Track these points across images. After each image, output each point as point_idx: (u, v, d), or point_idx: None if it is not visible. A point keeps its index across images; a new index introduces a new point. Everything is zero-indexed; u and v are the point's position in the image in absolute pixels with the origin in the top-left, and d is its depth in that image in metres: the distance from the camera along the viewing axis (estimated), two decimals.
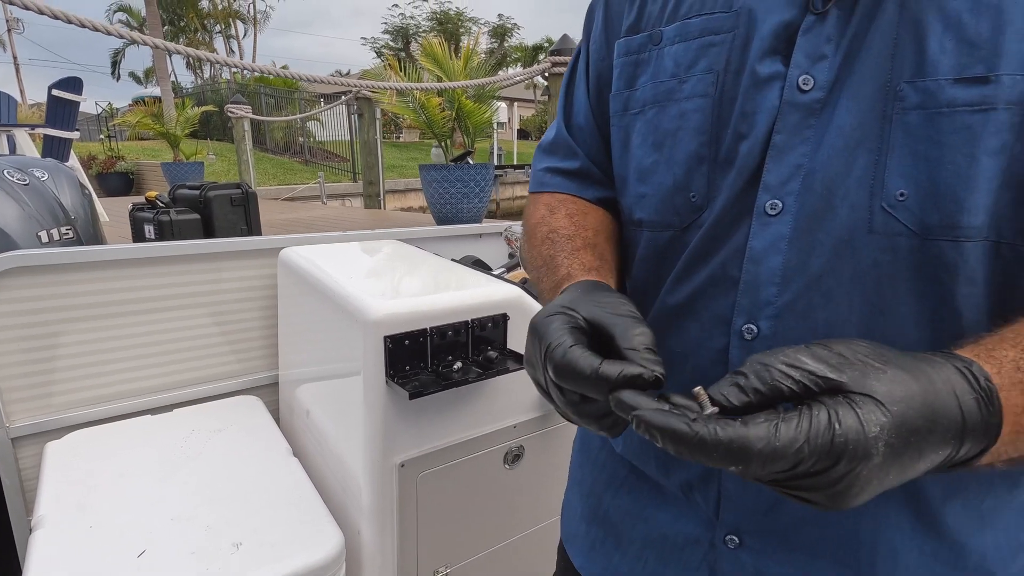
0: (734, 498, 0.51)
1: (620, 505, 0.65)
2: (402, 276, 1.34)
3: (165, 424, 1.36)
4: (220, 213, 2.05)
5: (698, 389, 0.34)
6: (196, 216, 2.02)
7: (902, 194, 0.41)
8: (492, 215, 3.38)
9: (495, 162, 15.21)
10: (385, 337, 1.01)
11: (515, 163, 17.99)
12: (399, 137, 22.64)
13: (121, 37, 1.94)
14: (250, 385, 1.59)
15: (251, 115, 7.39)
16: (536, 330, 0.43)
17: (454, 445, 1.15)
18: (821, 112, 0.44)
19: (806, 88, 0.44)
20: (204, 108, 9.52)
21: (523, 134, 27.76)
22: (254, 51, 31.01)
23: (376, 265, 1.43)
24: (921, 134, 0.40)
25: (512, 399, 1.22)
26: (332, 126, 15.21)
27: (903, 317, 0.43)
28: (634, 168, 0.57)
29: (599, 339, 0.42)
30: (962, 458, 0.33)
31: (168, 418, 1.38)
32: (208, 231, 2.07)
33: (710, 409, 0.33)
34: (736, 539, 0.52)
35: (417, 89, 2.68)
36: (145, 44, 2.21)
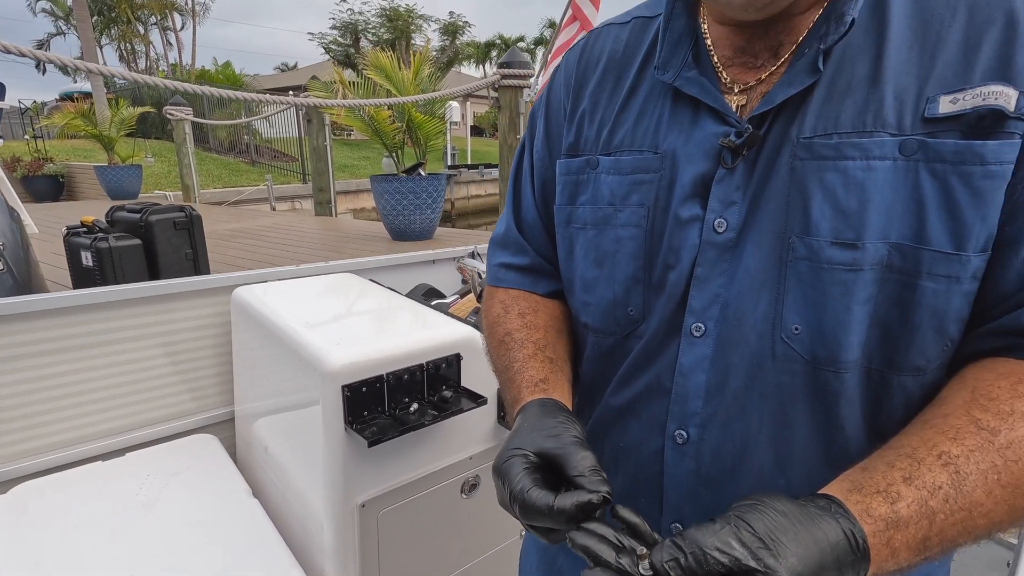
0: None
1: (573, 563, 0.71)
2: (357, 319, 1.37)
3: (118, 470, 1.34)
4: (163, 238, 2.00)
5: (643, 551, 0.40)
6: (137, 242, 1.96)
7: (796, 328, 0.49)
8: (447, 215, 3.40)
9: (449, 161, 15.12)
10: (343, 386, 1.05)
11: (469, 162, 17.94)
12: (350, 135, 22.15)
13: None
14: (205, 423, 1.58)
15: (192, 117, 7.11)
16: (499, 473, 0.49)
17: (413, 481, 1.19)
18: (734, 250, 0.52)
19: (720, 230, 0.52)
20: (142, 109, 9.03)
21: (477, 131, 27.67)
22: (193, 43, 29.60)
23: (331, 306, 1.45)
24: (808, 282, 0.48)
25: (467, 432, 1.28)
26: (280, 123, 14.75)
27: (800, 429, 0.50)
28: (579, 277, 0.64)
29: (551, 468, 0.48)
30: None
31: (121, 463, 1.37)
32: (151, 257, 2.01)
33: (646, 568, 0.39)
34: None
35: (365, 105, 2.67)
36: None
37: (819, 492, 0.42)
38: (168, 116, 6.69)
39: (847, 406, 0.49)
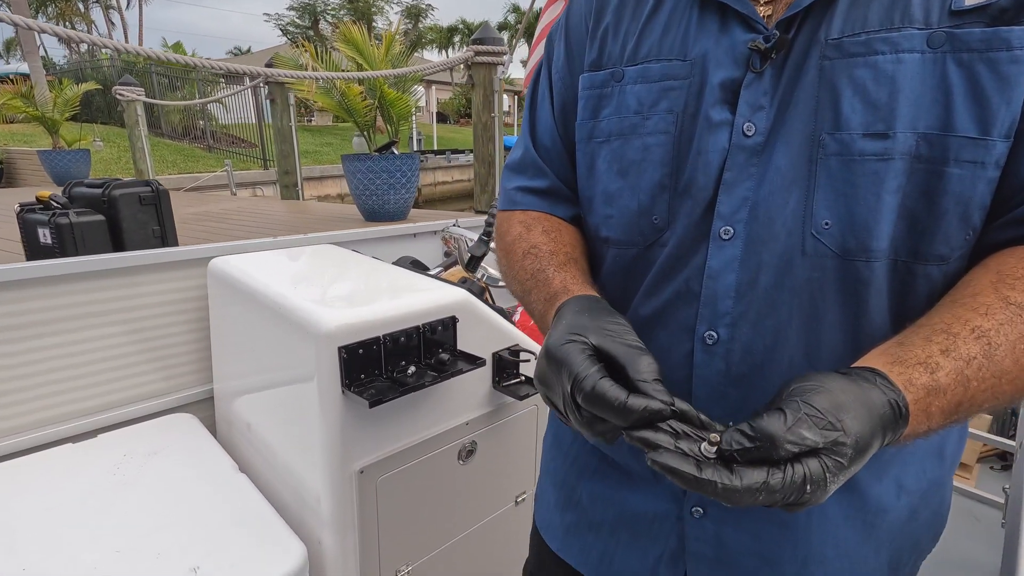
0: None
1: (592, 491, 0.72)
2: (347, 283, 1.33)
3: (90, 452, 1.27)
4: (128, 214, 1.89)
5: (714, 436, 0.41)
6: (100, 218, 1.84)
7: (827, 223, 0.50)
8: (414, 203, 3.34)
9: (415, 147, 14.90)
10: (340, 348, 1.01)
11: (435, 148, 17.71)
12: (311, 120, 21.52)
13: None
14: (182, 402, 1.51)
15: (144, 98, 6.76)
16: (555, 358, 0.48)
17: (411, 447, 1.17)
18: (762, 154, 0.53)
19: (749, 134, 0.53)
20: (86, 87, 8.53)
21: (441, 117, 27.29)
22: (140, 24, 28.11)
23: (317, 273, 1.40)
24: (839, 176, 0.49)
25: (463, 397, 1.26)
26: (237, 108, 14.19)
27: (830, 322, 0.53)
28: (600, 191, 0.64)
29: (608, 364, 0.47)
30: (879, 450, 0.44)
31: (93, 445, 1.30)
32: (115, 234, 1.90)
33: (710, 451, 0.40)
34: (701, 510, 0.61)
35: (339, 78, 2.57)
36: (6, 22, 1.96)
37: (861, 365, 0.44)
38: (118, 97, 6.33)
39: (875, 296, 0.51)
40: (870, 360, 0.45)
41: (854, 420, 0.39)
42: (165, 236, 1.86)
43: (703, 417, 0.43)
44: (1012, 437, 1.89)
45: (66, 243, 1.78)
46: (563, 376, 0.47)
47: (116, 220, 1.86)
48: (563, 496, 0.76)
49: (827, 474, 0.38)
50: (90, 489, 1.13)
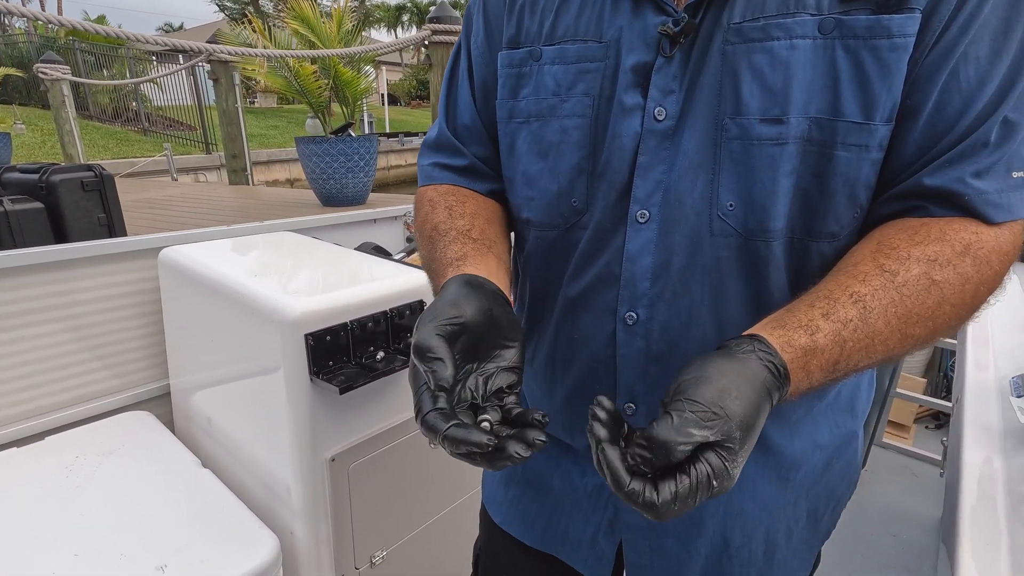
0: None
1: (534, 465, 0.75)
2: (309, 271, 1.29)
3: (39, 454, 1.20)
4: (70, 201, 1.75)
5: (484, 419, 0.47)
6: (39, 205, 1.71)
7: (731, 205, 0.53)
8: None
9: (366, 130, 14.51)
10: (306, 335, 0.99)
11: (387, 131, 17.29)
12: (253, 102, 20.59)
13: None
14: (136, 399, 1.45)
15: (71, 77, 6.29)
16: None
17: (381, 433, 1.16)
18: (673, 137, 0.54)
19: (660, 118, 0.54)
20: (3, 71, 7.86)
21: (392, 99, 26.63)
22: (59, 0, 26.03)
23: (278, 261, 1.36)
24: (740, 159, 0.51)
25: None
26: (172, 89, 13.40)
27: (736, 299, 0.56)
28: (521, 172, 0.64)
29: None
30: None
31: (41, 448, 1.23)
32: (56, 224, 1.78)
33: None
34: None
35: (292, 56, 2.45)
36: None
37: (747, 332, 0.48)
38: (40, 76, 5.86)
39: (775, 273, 0.54)
40: (759, 327, 0.48)
41: (736, 401, 0.42)
42: (112, 225, 1.74)
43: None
44: (945, 399, 2.04)
45: (2, 233, 1.65)
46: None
47: (56, 208, 1.73)
48: (507, 471, 0.79)
49: (726, 462, 0.41)
50: (40, 494, 1.08)
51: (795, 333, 0.46)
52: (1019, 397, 0.79)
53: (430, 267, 0.63)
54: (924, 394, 2.22)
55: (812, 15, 0.48)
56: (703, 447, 0.41)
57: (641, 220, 0.56)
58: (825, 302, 0.47)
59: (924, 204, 0.50)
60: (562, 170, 0.60)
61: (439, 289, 0.57)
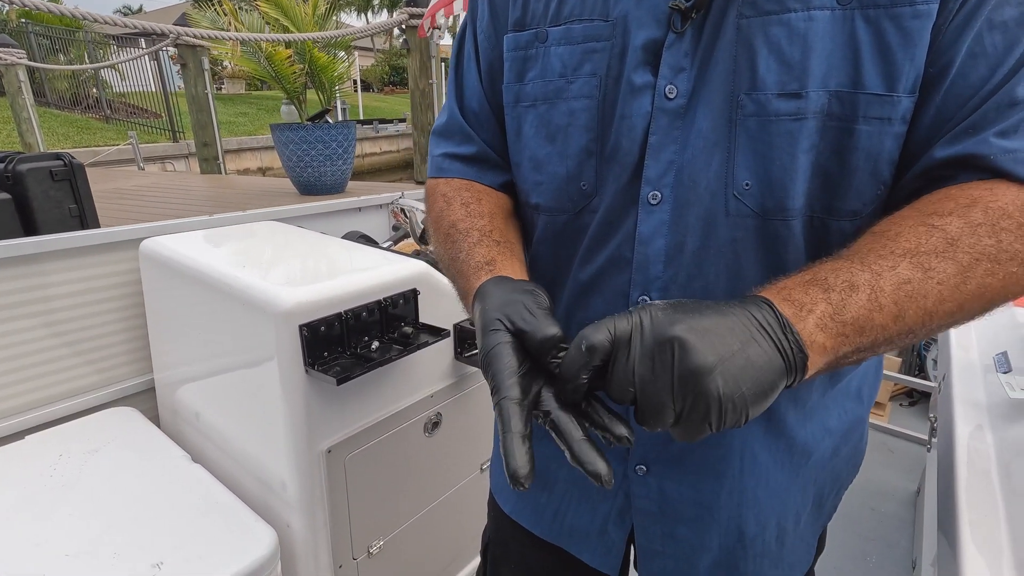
0: (639, 435, 0.62)
1: (544, 452, 0.72)
2: (300, 260, 1.27)
3: (21, 454, 1.17)
4: (38, 191, 1.67)
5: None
6: (6, 196, 1.64)
7: (747, 184, 0.51)
8: None
9: (340, 117, 14.20)
10: (300, 326, 0.97)
11: (361, 118, 16.97)
12: (220, 88, 19.96)
13: None
14: (120, 395, 1.41)
15: (27, 62, 6.00)
16: (484, 361, 0.48)
17: (377, 423, 1.16)
18: (685, 116, 0.53)
19: (671, 96, 0.53)
20: None
21: (364, 86, 26.10)
22: None
23: (265, 251, 1.33)
24: (757, 137, 0.50)
25: (427, 370, 1.25)
26: (135, 75, 12.89)
27: (751, 280, 0.53)
28: (528, 157, 0.63)
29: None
30: (792, 384, 0.43)
31: (22, 447, 1.19)
32: (24, 214, 1.70)
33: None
34: (644, 467, 0.63)
35: (265, 40, 2.37)
36: None
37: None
38: None
39: (793, 252, 0.53)
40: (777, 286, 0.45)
41: (745, 357, 0.39)
42: (84, 216, 1.67)
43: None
44: (922, 377, 2.11)
45: None
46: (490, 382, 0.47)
47: (24, 199, 1.65)
48: None
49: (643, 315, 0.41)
50: (25, 494, 1.04)
51: (812, 314, 0.41)
52: (1005, 373, 0.83)
53: (453, 267, 0.62)
54: (899, 372, 2.30)
55: None
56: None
57: (653, 202, 0.54)
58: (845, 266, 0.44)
59: (952, 173, 0.47)
60: (570, 153, 0.59)
61: (471, 291, 0.55)
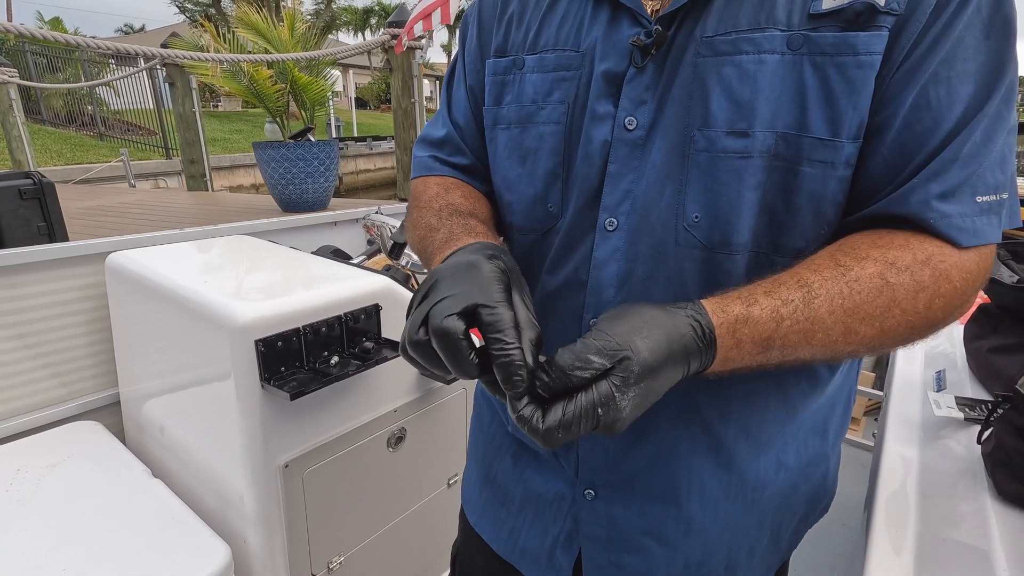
0: (588, 459, 0.63)
1: (505, 469, 0.75)
2: (263, 274, 1.28)
3: None
4: (7, 210, 1.69)
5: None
6: None
7: (696, 217, 0.53)
8: (336, 192, 3.23)
9: (334, 134, 14.31)
10: (256, 341, 0.98)
11: (355, 135, 17.10)
12: (217, 106, 20.09)
13: None
14: (84, 409, 1.40)
15: (18, 80, 6.04)
16: (462, 268, 0.47)
17: (337, 438, 1.16)
18: (643, 147, 0.55)
19: (631, 128, 0.55)
20: None
21: (360, 103, 26.35)
22: (8, 0, 24.96)
23: (230, 265, 1.34)
24: (707, 172, 0.52)
25: (390, 385, 1.26)
26: (130, 92, 12.98)
27: None
28: (502, 177, 0.66)
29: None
30: (691, 375, 0.45)
31: None
32: None
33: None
34: (592, 492, 0.64)
35: (244, 61, 2.42)
36: None
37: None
38: None
39: (736, 285, 0.53)
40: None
41: (644, 339, 0.42)
42: (53, 233, 1.69)
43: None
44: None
45: None
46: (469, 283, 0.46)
47: None
48: (482, 472, 0.79)
49: (615, 392, 0.40)
50: None
51: (731, 303, 0.46)
52: (939, 391, 0.84)
53: (439, 232, 0.61)
54: (872, 387, 2.31)
55: (782, 31, 0.48)
56: (600, 377, 0.41)
57: (609, 228, 0.56)
58: (770, 283, 0.47)
59: (892, 227, 0.49)
60: (538, 175, 0.61)
61: (455, 252, 0.54)
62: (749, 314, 0.45)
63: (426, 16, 2.84)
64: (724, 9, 0.51)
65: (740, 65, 0.50)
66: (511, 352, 0.42)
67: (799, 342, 0.46)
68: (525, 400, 0.42)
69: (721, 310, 0.46)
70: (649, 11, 0.55)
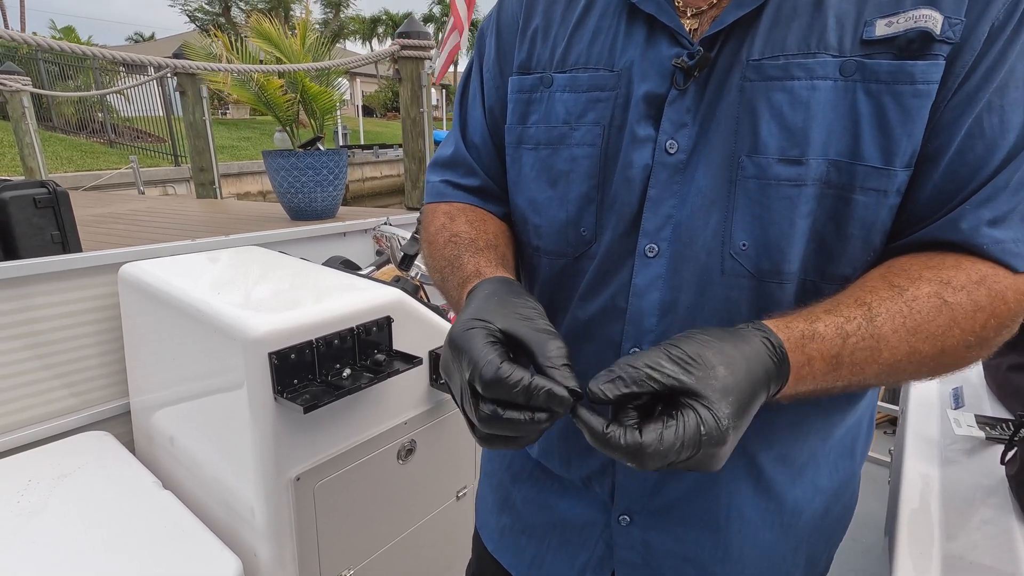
0: (625, 486, 0.62)
1: (526, 496, 0.73)
2: (275, 286, 1.28)
3: None
4: (21, 218, 1.71)
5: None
6: None
7: (744, 245, 0.51)
8: (343, 199, 3.25)
9: (341, 142, 14.41)
10: (270, 354, 0.98)
11: (362, 143, 17.21)
12: (225, 113, 20.29)
13: None
14: (95, 419, 1.41)
15: (31, 88, 6.12)
16: (457, 344, 0.45)
17: (348, 450, 1.16)
18: (684, 171, 0.53)
19: (672, 151, 0.53)
20: None
21: (367, 111, 26.55)
22: (22, 5, 25.35)
23: (242, 276, 1.35)
24: (756, 199, 0.50)
25: (401, 397, 1.26)
26: (141, 100, 13.14)
27: None
28: (528, 199, 0.63)
29: (515, 348, 0.45)
30: (769, 400, 0.44)
31: None
32: (6, 241, 1.73)
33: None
34: (628, 518, 0.63)
35: (255, 71, 2.44)
36: None
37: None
38: None
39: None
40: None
41: (720, 358, 0.41)
42: (67, 242, 1.70)
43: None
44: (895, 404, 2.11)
45: None
46: (463, 363, 0.44)
47: (7, 226, 1.68)
48: (499, 499, 0.77)
49: (717, 419, 0.39)
50: None
51: (793, 320, 0.45)
52: (956, 408, 0.83)
53: (454, 264, 0.60)
54: (882, 400, 2.29)
55: (833, 56, 0.47)
56: (687, 398, 0.39)
57: (650, 254, 0.55)
58: (829, 303, 0.47)
59: (938, 251, 0.49)
60: (571, 199, 0.59)
61: (476, 279, 0.54)
62: (814, 330, 0.44)
63: (452, 59, 2.88)
64: (770, 32, 0.50)
65: (792, 91, 0.48)
66: (549, 388, 0.41)
67: (866, 360, 0.45)
68: (600, 422, 0.40)
69: (785, 327, 0.44)
70: (687, 29, 0.53)
